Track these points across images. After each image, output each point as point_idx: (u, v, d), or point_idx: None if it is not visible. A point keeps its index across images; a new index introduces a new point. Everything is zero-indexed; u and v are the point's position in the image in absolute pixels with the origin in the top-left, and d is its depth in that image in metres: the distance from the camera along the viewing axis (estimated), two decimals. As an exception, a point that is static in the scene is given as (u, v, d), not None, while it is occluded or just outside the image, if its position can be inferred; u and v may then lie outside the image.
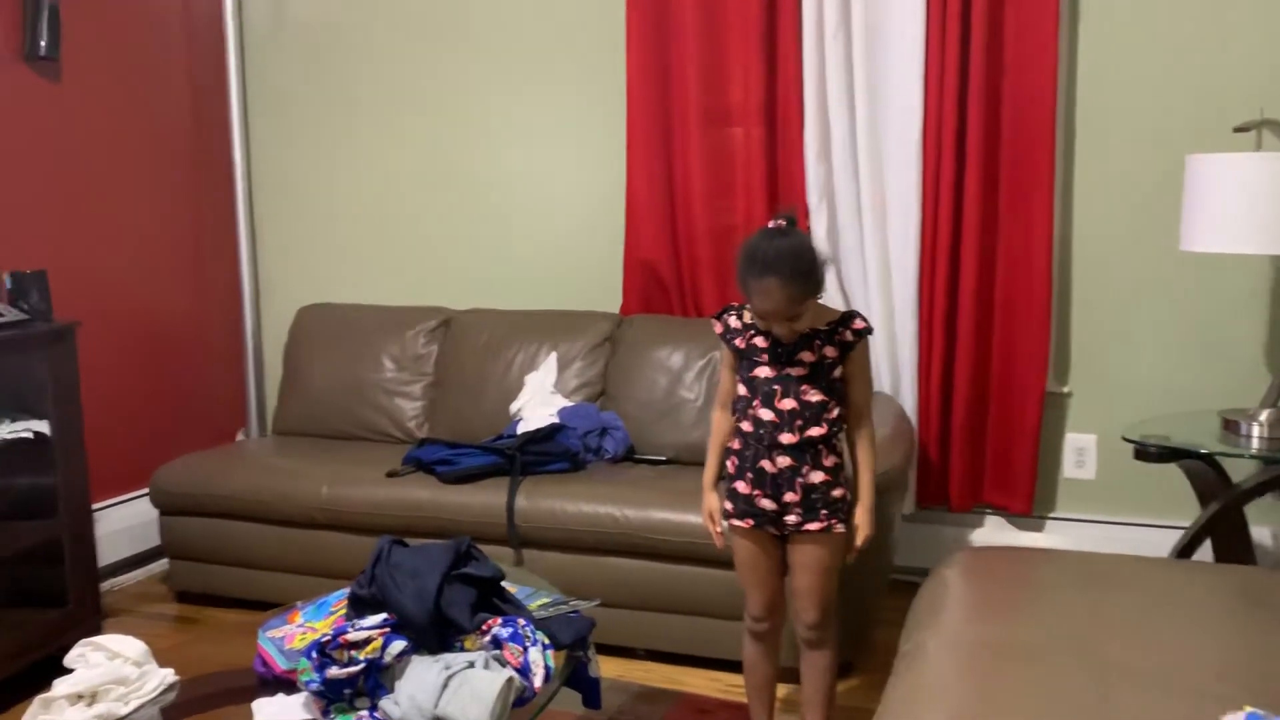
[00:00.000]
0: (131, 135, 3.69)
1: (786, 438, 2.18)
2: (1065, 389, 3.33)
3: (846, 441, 2.28)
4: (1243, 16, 3.04)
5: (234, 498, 3.26)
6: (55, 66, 3.38)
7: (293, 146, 4.07)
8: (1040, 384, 3.24)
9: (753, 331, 2.23)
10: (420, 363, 3.71)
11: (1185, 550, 2.77)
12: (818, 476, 2.19)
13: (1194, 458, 2.72)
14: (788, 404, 2.18)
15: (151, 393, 3.79)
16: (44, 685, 1.84)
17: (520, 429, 3.30)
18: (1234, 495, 2.74)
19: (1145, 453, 2.72)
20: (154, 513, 3.42)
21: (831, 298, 3.36)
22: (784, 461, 2.19)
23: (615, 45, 3.51)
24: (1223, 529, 2.78)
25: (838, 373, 2.21)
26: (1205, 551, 2.81)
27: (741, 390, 2.25)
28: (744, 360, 2.25)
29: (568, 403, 3.41)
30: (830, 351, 2.19)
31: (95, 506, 3.19)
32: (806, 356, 2.18)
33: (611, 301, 3.65)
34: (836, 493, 2.21)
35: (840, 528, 2.22)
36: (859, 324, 2.20)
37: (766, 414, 2.19)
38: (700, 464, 3.19)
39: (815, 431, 2.18)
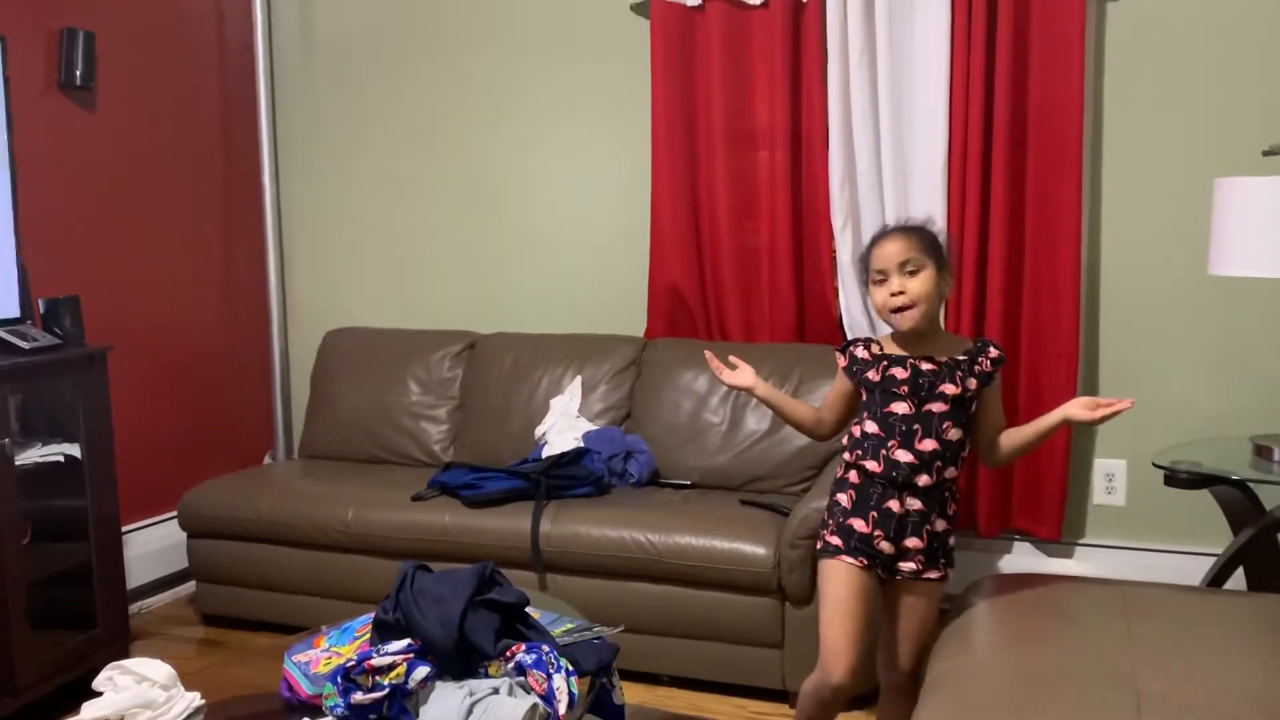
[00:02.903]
0: (163, 162, 3.75)
1: (924, 480, 2.06)
2: (1094, 413, 3.30)
3: (989, 458, 2.17)
4: (1270, 39, 3.03)
5: (260, 521, 3.28)
6: (90, 95, 3.44)
7: (321, 172, 4.12)
8: (1068, 408, 3.21)
9: (887, 362, 2.11)
10: (445, 386, 3.73)
11: (1218, 578, 2.74)
12: (942, 525, 2.11)
13: (1226, 484, 2.69)
14: (929, 444, 2.05)
15: (180, 416, 3.83)
16: (72, 708, 1.85)
17: (545, 453, 3.31)
18: (1267, 522, 2.70)
19: (1176, 479, 2.68)
20: (182, 535, 3.44)
21: (857, 321, 3.36)
22: (914, 505, 2.08)
23: (640, 70, 3.54)
24: (1256, 557, 2.74)
25: (974, 407, 2.11)
26: (1238, 579, 2.77)
27: (871, 428, 2.10)
28: (878, 394, 2.11)
29: (592, 426, 3.41)
30: (972, 384, 2.08)
31: (124, 529, 3.22)
32: (949, 389, 2.06)
33: (636, 325, 3.66)
34: (952, 540, 2.15)
35: (950, 574, 2.16)
36: (994, 352, 2.10)
37: (905, 455, 2.06)
38: (725, 488, 3.22)
39: (951, 473, 2.08)
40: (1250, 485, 2.68)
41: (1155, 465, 2.75)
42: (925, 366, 2.08)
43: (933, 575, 2.13)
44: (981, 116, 3.17)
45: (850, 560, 2.10)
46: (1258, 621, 2.12)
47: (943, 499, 2.11)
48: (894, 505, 2.08)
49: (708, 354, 2.30)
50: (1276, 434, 2.81)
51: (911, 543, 2.10)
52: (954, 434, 2.08)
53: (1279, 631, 2.05)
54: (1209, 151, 3.09)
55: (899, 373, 2.09)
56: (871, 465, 2.10)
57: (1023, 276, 3.24)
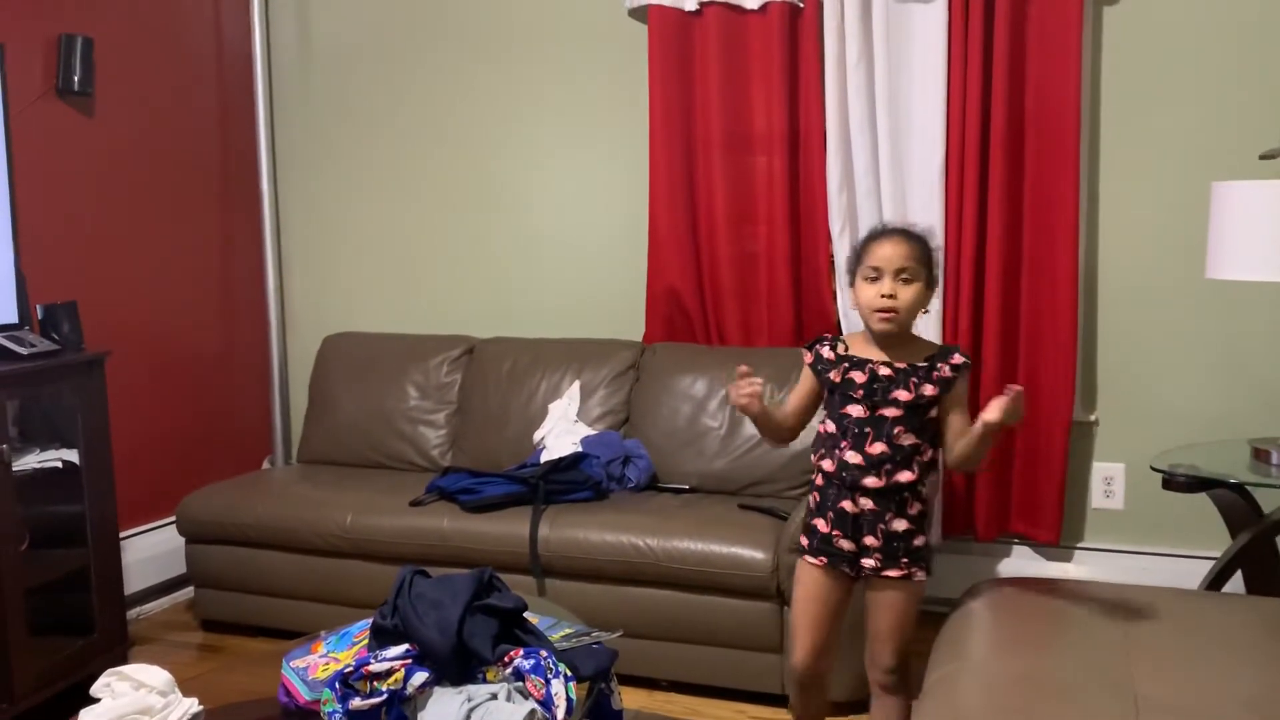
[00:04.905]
0: (161, 167, 3.75)
1: (871, 482, 2.10)
2: (1092, 417, 3.31)
3: (947, 452, 2.18)
4: (1266, 43, 3.03)
5: (259, 526, 3.27)
6: (88, 101, 3.44)
7: (319, 178, 4.12)
8: (1067, 412, 3.22)
9: (848, 365, 2.15)
10: (444, 391, 3.73)
11: (1216, 581, 2.74)
12: (900, 525, 2.12)
13: (1224, 487, 2.69)
14: (878, 448, 2.09)
15: (179, 421, 3.83)
16: (70, 714, 1.84)
17: (543, 457, 3.31)
18: (1265, 526, 2.70)
19: (1174, 482, 2.69)
20: (180, 541, 3.44)
21: (855, 324, 3.35)
22: (867, 504, 2.11)
23: (638, 75, 3.54)
24: (1254, 560, 2.74)
25: (934, 412, 2.11)
26: (1236, 583, 2.77)
27: (830, 428, 2.16)
28: (836, 395, 2.16)
29: (591, 431, 3.41)
30: (929, 390, 2.09)
31: (122, 534, 3.22)
32: (902, 395, 2.09)
33: (635, 329, 3.66)
34: (918, 541, 2.14)
35: (920, 576, 2.15)
36: (957, 359, 2.12)
37: (854, 457, 2.11)
38: (723, 492, 3.22)
39: (904, 476, 2.10)
40: (1248, 488, 2.68)
41: (1153, 469, 2.75)
42: (883, 372, 2.12)
43: (892, 573, 2.14)
44: (979, 120, 3.17)
45: (811, 560, 2.20)
46: (1256, 625, 2.12)
47: (900, 499, 2.12)
48: (848, 505, 2.13)
49: (742, 368, 2.19)
50: (1274, 437, 2.82)
51: (869, 540, 2.13)
52: (906, 439, 2.10)
53: (1277, 635, 2.05)
54: (1206, 155, 3.10)
55: (857, 376, 2.13)
56: (827, 465, 2.16)
57: (1020, 280, 3.25)
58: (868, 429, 2.10)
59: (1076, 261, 3.16)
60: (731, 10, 3.38)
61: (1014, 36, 3.13)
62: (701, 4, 3.40)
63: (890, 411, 2.10)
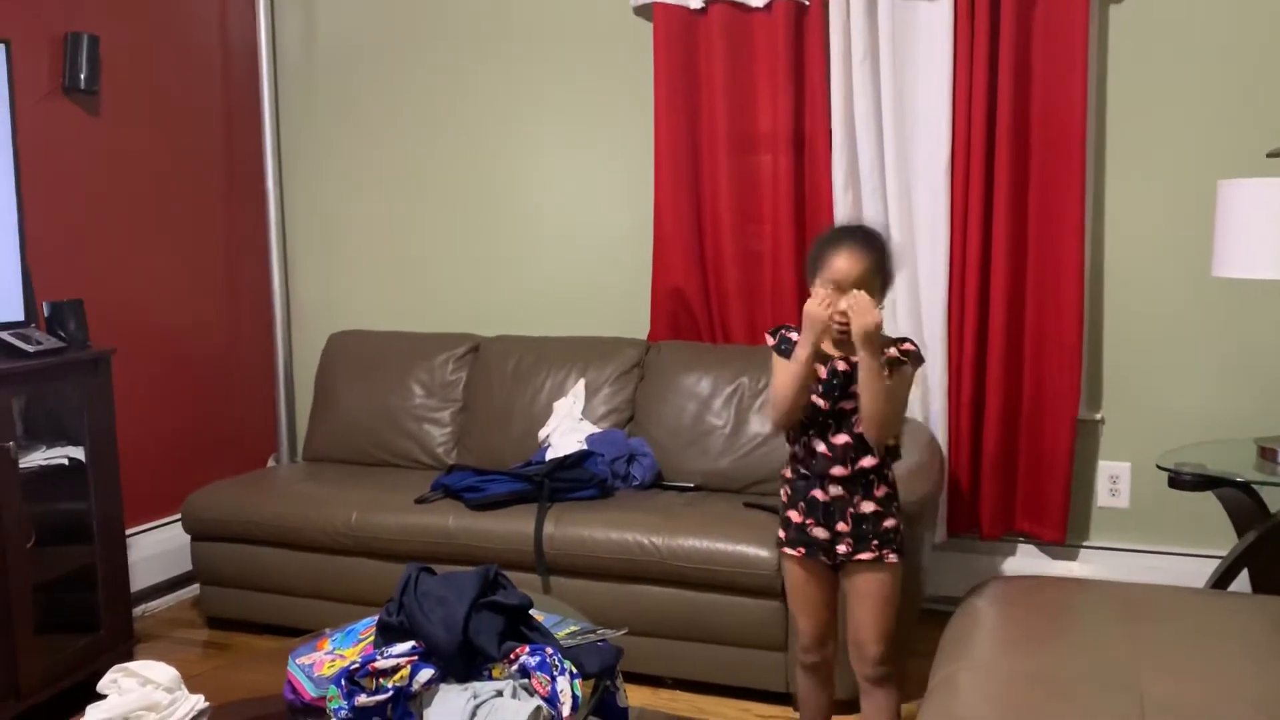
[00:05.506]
0: (167, 165, 3.76)
1: (838, 470, 2.18)
2: (1098, 416, 3.30)
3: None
4: (1273, 40, 3.02)
5: (264, 523, 3.28)
6: (94, 99, 3.45)
7: (324, 175, 4.12)
8: (1072, 410, 3.21)
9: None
10: (449, 389, 3.73)
11: (1222, 580, 2.73)
12: (868, 507, 2.18)
13: (1230, 486, 2.69)
14: (841, 438, 2.18)
15: (184, 419, 3.83)
16: (77, 711, 1.85)
17: (548, 455, 3.31)
18: (1271, 524, 2.70)
19: (1180, 481, 2.68)
20: (186, 538, 3.44)
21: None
22: (835, 491, 2.18)
23: (643, 73, 3.54)
24: (1260, 558, 2.74)
25: None
26: (1242, 582, 2.77)
27: (798, 417, 2.23)
28: None
29: (596, 429, 3.42)
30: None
31: (128, 532, 3.22)
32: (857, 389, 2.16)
33: (640, 328, 3.66)
34: (888, 523, 2.19)
35: (892, 558, 2.19)
36: (908, 346, 2.17)
37: (820, 447, 2.19)
38: (728, 490, 3.23)
39: (867, 462, 2.18)
40: (1255, 487, 2.68)
41: (1159, 467, 2.75)
42: (841, 368, 2.18)
43: (864, 557, 2.18)
44: (984, 119, 3.17)
45: (790, 552, 2.26)
46: (1262, 624, 2.12)
47: (866, 483, 2.18)
48: (818, 494, 2.20)
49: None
50: (1281, 436, 2.81)
51: (840, 526, 2.19)
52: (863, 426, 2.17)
53: (1284, 634, 2.05)
54: (1212, 153, 3.09)
55: (820, 370, 2.19)
56: (798, 451, 2.23)
57: (1026, 278, 3.24)
58: (830, 420, 2.18)
59: (1082, 259, 3.16)
60: (737, 8, 3.38)
61: (1020, 34, 3.13)
62: (707, 2, 3.40)
63: (848, 405, 2.17)
